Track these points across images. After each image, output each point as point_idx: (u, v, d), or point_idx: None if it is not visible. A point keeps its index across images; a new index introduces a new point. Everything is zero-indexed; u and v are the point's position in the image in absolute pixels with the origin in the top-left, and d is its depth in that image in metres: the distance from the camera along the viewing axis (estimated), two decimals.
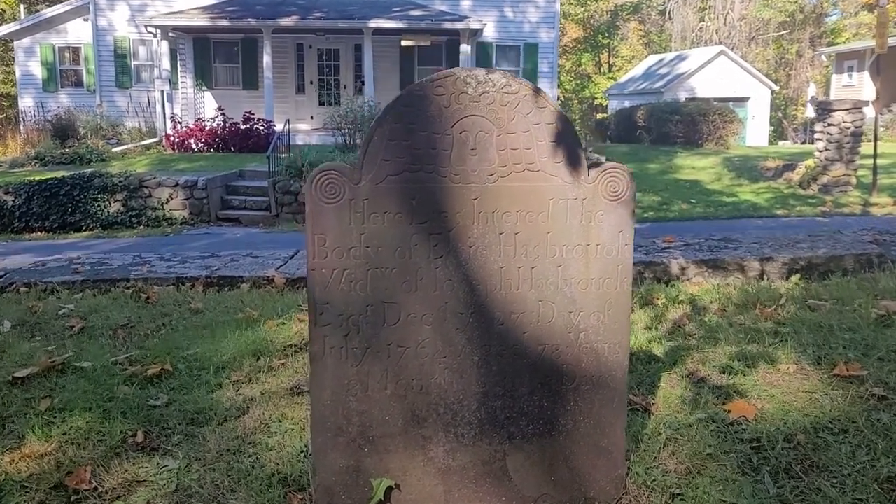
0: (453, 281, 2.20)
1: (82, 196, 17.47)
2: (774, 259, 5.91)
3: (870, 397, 3.01)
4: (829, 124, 17.63)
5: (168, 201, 17.46)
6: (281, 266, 6.44)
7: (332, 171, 2.10)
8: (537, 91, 2.12)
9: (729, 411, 2.98)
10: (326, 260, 2.16)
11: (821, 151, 18.06)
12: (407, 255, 2.17)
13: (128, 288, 5.97)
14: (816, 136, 18.45)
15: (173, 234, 16.56)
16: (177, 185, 17.41)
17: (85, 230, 17.13)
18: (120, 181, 17.52)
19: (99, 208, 17.42)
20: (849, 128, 17.51)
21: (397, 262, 2.18)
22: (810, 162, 18.63)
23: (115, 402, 3.26)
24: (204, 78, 24.73)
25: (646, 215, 16.20)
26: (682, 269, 5.92)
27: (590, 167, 2.21)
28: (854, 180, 17.81)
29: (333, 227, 2.14)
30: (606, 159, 19.07)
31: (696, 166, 21.85)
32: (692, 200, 17.43)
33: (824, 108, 18.05)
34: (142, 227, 17.31)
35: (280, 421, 3.02)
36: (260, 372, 3.59)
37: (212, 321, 4.84)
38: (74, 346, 4.51)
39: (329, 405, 2.23)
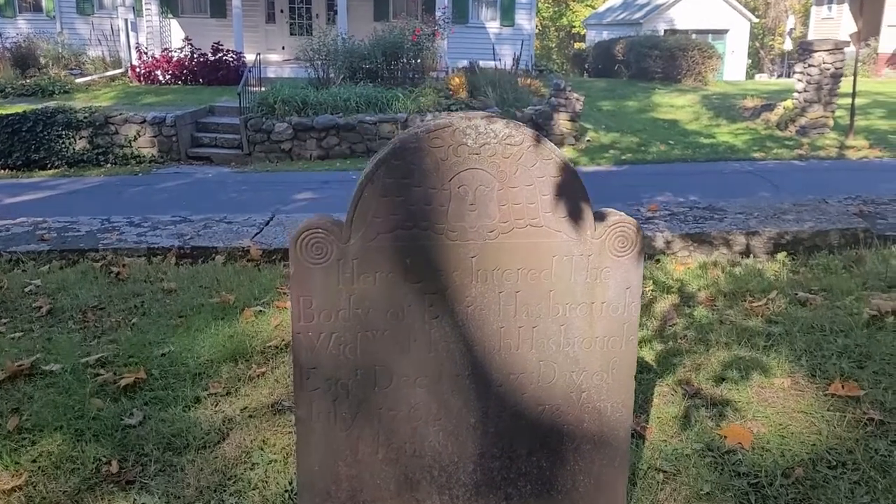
0: (449, 342, 2.06)
1: (46, 133, 16.94)
2: (760, 233, 5.82)
3: (867, 422, 2.94)
4: (810, 65, 17.45)
5: (136, 139, 17.02)
6: (256, 234, 6.25)
7: (319, 231, 1.93)
8: (540, 140, 1.95)
9: (725, 437, 2.90)
10: (313, 323, 2.00)
11: (800, 93, 17.92)
12: (400, 317, 2.03)
13: (96, 260, 5.75)
14: (796, 76, 18.28)
15: (142, 173, 16.16)
16: (144, 121, 16.94)
17: (50, 168, 16.66)
18: (85, 117, 17.00)
19: (64, 145, 16.94)
20: (829, 69, 17.35)
21: (389, 323, 2.03)
22: (789, 103, 18.51)
23: (87, 421, 3.12)
24: (169, 5, 23.81)
25: (624, 157, 16.09)
26: (668, 242, 5.82)
27: (596, 219, 2.05)
28: (831, 122, 17.75)
29: (320, 288, 1.98)
30: (585, 95, 18.85)
31: (675, 104, 21.66)
32: (670, 142, 17.31)
33: (805, 49, 17.83)
34: (109, 165, 16.88)
35: (262, 449, 2.90)
36: (239, 381, 3.46)
37: (186, 305, 4.68)
38: (42, 333, 4.34)
39: (317, 470, 2.11)
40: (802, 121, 17.57)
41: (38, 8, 25.89)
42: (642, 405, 3.15)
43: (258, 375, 3.49)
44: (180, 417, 3.12)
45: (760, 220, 6.08)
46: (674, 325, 3.97)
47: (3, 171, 17.04)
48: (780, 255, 5.44)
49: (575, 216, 1.99)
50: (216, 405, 3.24)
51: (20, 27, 24.93)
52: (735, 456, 2.80)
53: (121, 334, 4.21)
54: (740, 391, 3.22)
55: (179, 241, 6.12)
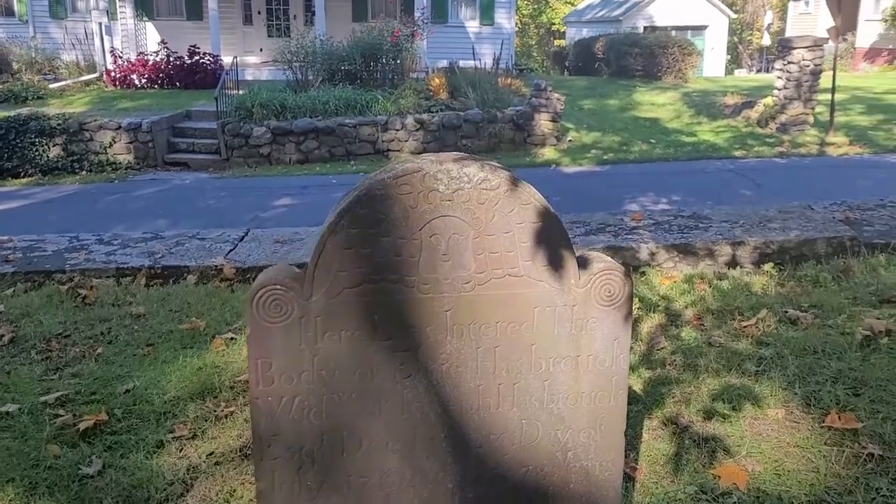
0: (423, 403, 1.89)
1: (19, 140, 16.61)
2: (746, 243, 5.70)
3: (866, 458, 2.80)
4: (789, 62, 17.40)
5: (111, 145, 16.73)
6: (230, 251, 6.06)
7: (278, 287, 1.76)
8: (518, 184, 1.79)
9: (719, 478, 2.76)
10: (273, 387, 1.83)
11: (780, 90, 17.87)
12: (369, 377, 1.86)
13: (63, 283, 5.54)
14: (776, 73, 18.23)
15: (118, 180, 15.88)
16: (119, 127, 16.63)
17: (24, 176, 16.35)
18: (59, 124, 16.69)
19: (37, 153, 16.63)
20: (808, 66, 17.31)
21: (357, 385, 1.86)
22: (769, 100, 18.46)
23: (43, 470, 2.93)
24: (144, 7, 23.46)
25: (606, 157, 15.96)
26: (652, 254, 5.69)
27: (580, 266, 1.89)
28: (812, 119, 17.71)
29: (280, 349, 1.81)
30: (566, 94, 18.71)
31: (656, 102, 21.58)
32: (652, 140, 17.21)
33: (785, 46, 17.78)
34: (84, 172, 16.58)
35: (228, 502, 2.72)
36: (206, 421, 3.28)
37: (154, 332, 4.50)
38: (2, 365, 4.15)
39: None
40: (783, 118, 17.54)
41: (10, 12, 25.48)
42: (632, 441, 2.99)
43: (226, 415, 3.31)
44: (142, 465, 2.94)
45: (746, 229, 5.96)
46: (661, 348, 3.83)
47: None
48: (767, 266, 5.31)
49: (557, 264, 1.83)
50: (181, 450, 3.06)
51: None
52: (730, 499, 2.66)
53: (85, 366, 4.02)
54: (733, 424, 3.08)
55: (150, 260, 5.92)
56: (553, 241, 1.83)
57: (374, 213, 1.77)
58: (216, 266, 5.76)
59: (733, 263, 5.63)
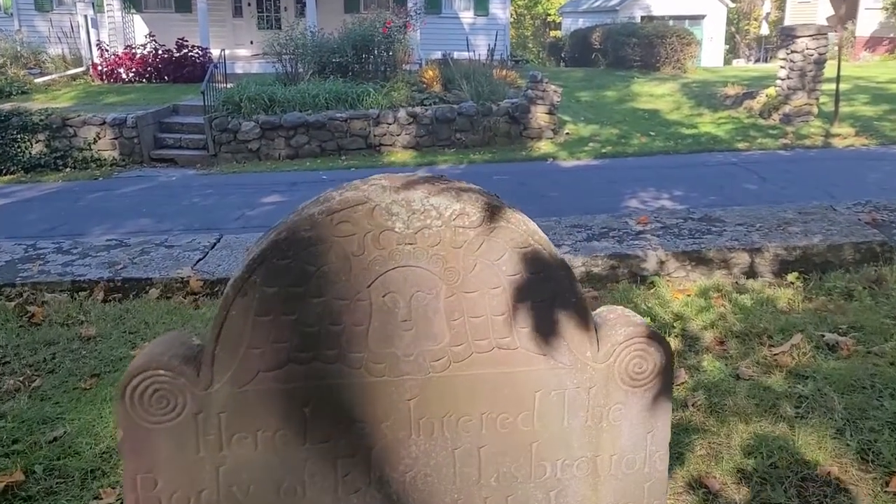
0: None
1: (0, 137, 16.09)
2: (765, 249, 5.16)
3: None
4: (793, 51, 16.85)
5: (95, 141, 16.20)
6: (199, 260, 5.52)
7: (162, 373, 1.21)
8: (507, 217, 1.24)
9: None
10: None
11: (783, 80, 17.32)
12: (299, 494, 1.31)
13: (11, 298, 5.01)
14: (779, 63, 17.71)
15: (102, 177, 15.39)
16: (104, 123, 16.10)
17: (5, 174, 15.87)
18: (41, 120, 16.17)
19: (19, 150, 16.12)
20: (812, 55, 16.76)
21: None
22: (771, 90, 17.93)
23: None
24: (132, 0, 22.93)
25: (604, 150, 15.41)
26: (661, 262, 5.15)
27: (598, 333, 1.34)
28: (816, 110, 17.18)
29: (169, 460, 1.27)
30: (563, 86, 18.12)
31: (655, 94, 21.06)
32: (651, 133, 16.68)
33: (788, 34, 17.24)
34: (68, 169, 16.09)
35: None
36: None
37: (103, 359, 3.99)
38: None
39: None
40: (786, 109, 17.04)
41: None
42: None
43: None
44: None
45: (764, 234, 5.41)
46: (681, 383, 3.28)
47: None
48: (791, 277, 4.78)
49: (566, 331, 1.29)
50: None
51: None
52: None
53: (16, 404, 3.51)
54: (775, 489, 2.53)
55: (110, 271, 5.38)
56: (560, 299, 1.29)
57: (299, 263, 1.23)
58: (182, 278, 5.23)
59: (751, 273, 5.10)
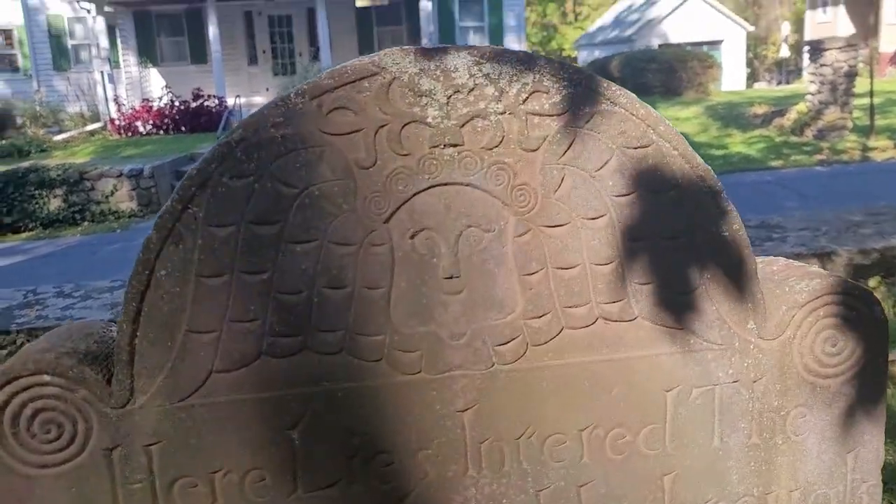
0: None
1: (18, 194, 16.16)
2: (836, 254, 4.60)
3: None
4: (822, 65, 16.43)
5: (113, 193, 16.21)
6: None
7: (46, 380, 0.70)
8: (609, 94, 0.72)
9: None
10: None
11: (813, 95, 16.90)
12: None
13: (3, 346, 4.61)
14: (808, 78, 17.32)
15: (120, 229, 15.28)
16: (121, 175, 16.07)
17: (24, 231, 15.83)
18: (58, 175, 16.18)
19: (37, 206, 16.14)
20: (842, 67, 16.32)
21: None
22: (802, 106, 17.51)
23: None
24: (148, 54, 23.21)
25: None
26: None
27: (765, 292, 0.81)
28: (850, 124, 16.74)
29: None
30: None
31: (680, 117, 20.71)
32: None
33: (816, 48, 16.81)
34: (86, 223, 16.06)
35: None
36: None
37: None
38: None
39: None
40: (819, 124, 16.64)
41: (14, 68, 25.60)
42: None
43: None
44: None
45: (833, 237, 4.87)
46: None
47: None
48: (873, 281, 4.22)
49: (714, 288, 0.76)
50: None
51: None
52: None
53: None
54: None
55: (111, 312, 5.02)
56: (703, 234, 0.77)
57: (268, 183, 0.72)
58: None
59: None
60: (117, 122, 21.30)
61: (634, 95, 0.86)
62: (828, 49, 16.60)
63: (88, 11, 21.53)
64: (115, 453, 0.82)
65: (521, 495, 0.87)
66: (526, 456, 0.86)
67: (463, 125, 0.80)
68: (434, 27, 21.13)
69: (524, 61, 0.82)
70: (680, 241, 0.83)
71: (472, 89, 0.81)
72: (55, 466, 0.79)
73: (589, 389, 0.85)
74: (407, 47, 0.85)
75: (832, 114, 16.80)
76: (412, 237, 0.82)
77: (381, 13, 23.36)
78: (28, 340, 4.75)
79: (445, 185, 0.80)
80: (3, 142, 20.69)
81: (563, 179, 0.81)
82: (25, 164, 17.22)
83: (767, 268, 0.98)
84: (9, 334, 4.89)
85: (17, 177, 16.19)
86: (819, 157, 15.82)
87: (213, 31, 20.77)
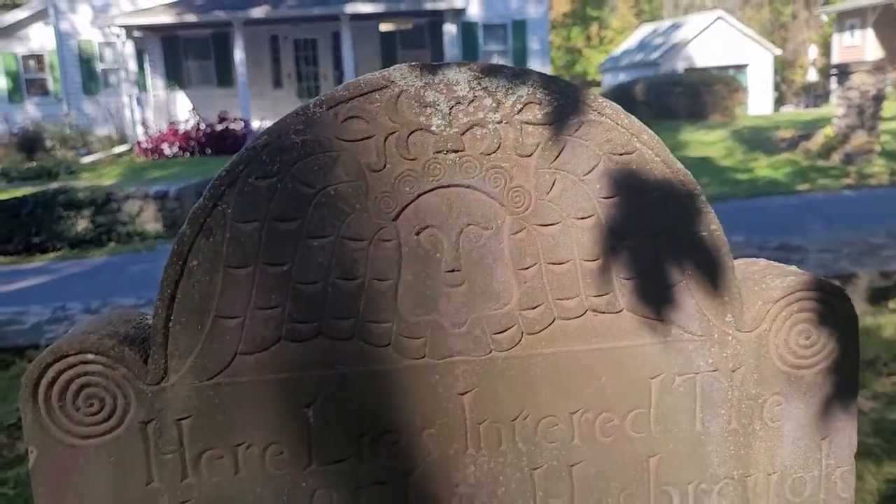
0: None
1: (46, 215, 16.32)
2: (857, 276, 4.61)
3: None
4: (849, 88, 16.32)
5: (139, 214, 16.32)
6: None
7: (90, 359, 0.79)
8: (596, 105, 0.81)
9: None
10: None
11: (840, 118, 16.77)
12: None
13: (32, 360, 4.70)
14: (835, 101, 17.18)
15: (146, 250, 15.40)
16: (147, 196, 16.22)
17: (51, 251, 15.99)
18: (86, 196, 16.36)
19: (65, 227, 16.30)
20: (870, 90, 16.20)
21: None
22: (829, 130, 17.38)
23: None
24: (176, 78, 23.49)
25: None
26: None
27: (742, 287, 0.89)
28: (878, 147, 16.59)
29: (104, 494, 0.84)
30: None
31: (705, 141, 20.64)
32: (704, 179, 16.20)
33: (843, 71, 16.72)
34: (112, 244, 16.18)
35: None
36: None
37: None
38: None
39: None
40: (846, 148, 16.48)
41: (45, 91, 25.89)
42: None
43: None
44: None
45: (854, 259, 4.89)
46: None
47: (3, 256, 16.45)
48: (894, 303, 4.24)
49: (694, 283, 0.84)
50: None
51: (28, 111, 24.89)
52: None
53: (21, 470, 3.15)
54: None
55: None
56: (684, 232, 0.85)
57: (290, 184, 0.80)
58: None
59: None
60: (144, 145, 21.51)
61: (619, 107, 0.94)
62: (855, 72, 16.51)
63: (118, 36, 21.87)
64: (149, 426, 0.91)
65: (516, 473, 0.94)
66: (521, 437, 0.94)
67: (464, 133, 0.89)
68: (458, 51, 21.30)
69: (519, 76, 0.91)
70: (662, 240, 0.90)
71: (472, 101, 0.89)
72: (97, 437, 0.88)
73: (579, 376, 0.92)
74: (414, 63, 0.94)
75: (859, 138, 16.67)
76: (418, 234, 0.90)
77: (406, 37, 23.52)
78: None
79: (448, 186, 0.89)
80: (33, 164, 20.93)
81: (554, 182, 0.89)
82: (54, 185, 17.47)
83: (748, 267, 1.05)
84: (38, 349, 5.02)
85: (46, 198, 16.40)
86: (846, 181, 15.65)
87: (239, 55, 21.03)
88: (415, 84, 0.89)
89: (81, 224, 16.42)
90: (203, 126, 21.02)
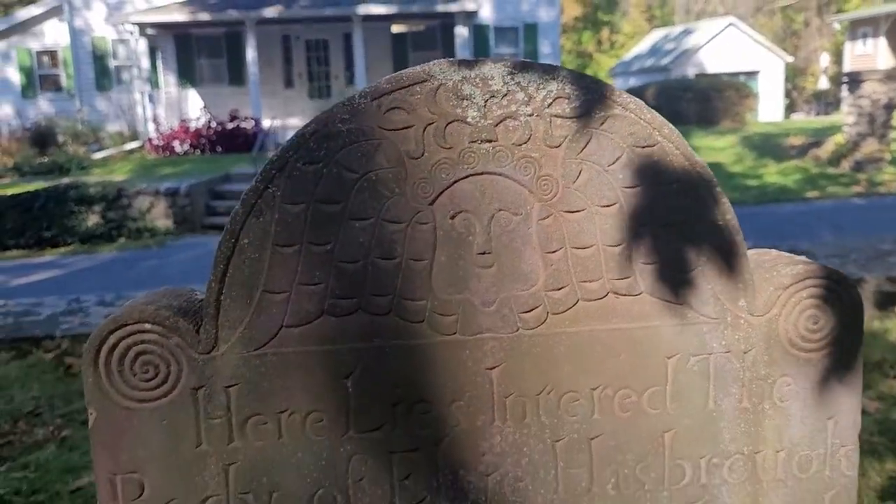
0: None
1: (58, 210, 16.36)
2: (864, 281, 4.65)
3: None
4: (860, 96, 16.33)
5: (149, 210, 16.35)
6: None
7: (147, 328, 0.86)
8: (621, 100, 0.87)
9: None
10: None
11: (850, 126, 16.79)
12: (347, 495, 0.93)
13: (49, 350, 4.80)
14: (846, 109, 17.20)
15: (156, 246, 15.45)
16: (158, 192, 16.27)
17: (62, 245, 16.06)
18: (97, 192, 16.41)
19: (76, 222, 16.33)
20: (881, 99, 16.21)
21: None
22: (839, 138, 17.38)
23: None
24: (188, 76, 23.56)
25: None
26: None
27: (755, 275, 0.95)
28: (888, 156, 16.58)
29: (158, 456, 0.91)
30: None
31: (715, 146, 20.62)
32: None
33: (854, 79, 16.74)
34: (123, 239, 16.23)
35: None
36: None
37: None
38: None
39: None
40: (857, 156, 16.46)
41: (58, 87, 25.97)
42: None
43: None
44: None
45: (861, 265, 4.93)
46: None
47: (15, 250, 16.51)
48: None
49: (710, 268, 0.90)
50: None
51: (41, 107, 24.97)
52: None
53: (41, 454, 3.20)
54: None
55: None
56: (701, 221, 0.91)
57: (335, 169, 0.87)
58: None
59: None
60: (155, 142, 21.59)
61: (643, 102, 1.00)
62: (866, 81, 16.52)
63: (132, 34, 21.98)
64: (200, 392, 0.97)
65: (539, 444, 1.00)
66: (545, 410, 1.00)
67: (497, 124, 0.95)
68: (469, 53, 21.36)
69: (549, 72, 0.97)
70: (680, 228, 0.96)
71: (505, 94, 0.95)
72: (151, 402, 0.95)
73: (600, 354, 0.98)
74: (452, 59, 1.01)
75: (870, 145, 16.67)
76: (452, 218, 0.97)
77: (417, 38, 23.57)
78: (70, 346, 4.94)
79: (481, 174, 0.95)
80: (46, 159, 20.98)
81: (580, 172, 0.96)
82: (66, 180, 17.51)
83: (760, 257, 1.11)
84: (53, 339, 5.09)
85: (58, 193, 16.46)
86: (856, 188, 15.62)
87: (251, 54, 21.11)
88: (453, 78, 0.96)
89: (92, 219, 16.44)
90: (214, 124, 21.11)
